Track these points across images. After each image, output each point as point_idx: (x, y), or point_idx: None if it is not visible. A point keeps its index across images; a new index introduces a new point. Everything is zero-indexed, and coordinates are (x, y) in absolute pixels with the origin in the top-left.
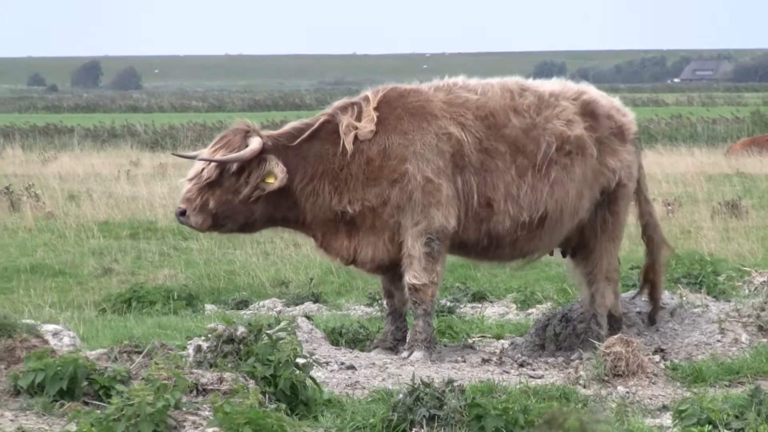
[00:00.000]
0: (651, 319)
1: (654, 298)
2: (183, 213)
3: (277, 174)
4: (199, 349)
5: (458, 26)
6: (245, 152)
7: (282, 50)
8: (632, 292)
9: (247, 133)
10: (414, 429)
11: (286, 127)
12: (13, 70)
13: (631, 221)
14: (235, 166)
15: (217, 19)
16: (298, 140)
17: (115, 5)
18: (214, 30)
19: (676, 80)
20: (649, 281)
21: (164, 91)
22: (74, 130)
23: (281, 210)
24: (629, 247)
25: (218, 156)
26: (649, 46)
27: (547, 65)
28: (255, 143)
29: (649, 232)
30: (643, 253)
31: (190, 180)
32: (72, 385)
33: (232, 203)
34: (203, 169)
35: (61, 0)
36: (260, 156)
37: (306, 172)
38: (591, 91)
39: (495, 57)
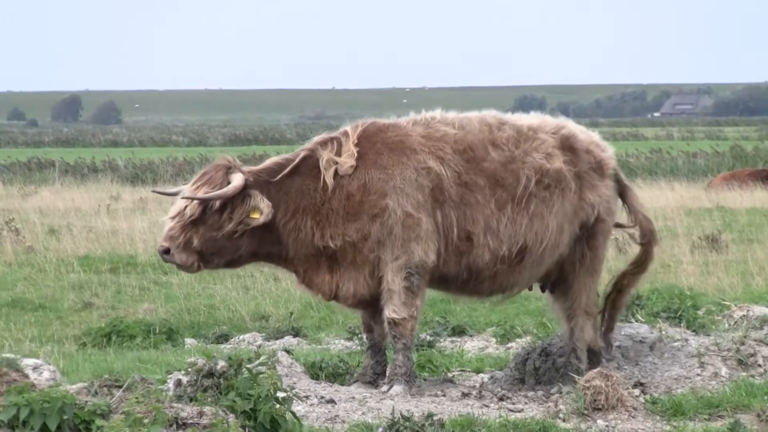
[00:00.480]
0: (605, 340)
1: (616, 312)
2: (167, 251)
3: (262, 209)
4: (179, 383)
5: (438, 61)
6: (228, 189)
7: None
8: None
9: (228, 170)
10: None
11: (267, 163)
12: None
13: (610, 254)
14: (218, 203)
15: (197, 54)
16: (280, 176)
17: (95, 40)
18: (194, 65)
19: (657, 114)
20: (618, 290)
21: (144, 126)
22: (55, 164)
23: (265, 245)
24: (608, 279)
25: (200, 193)
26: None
27: (527, 99)
28: (237, 180)
29: (645, 241)
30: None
31: (173, 218)
32: (58, 421)
33: (217, 240)
34: (186, 207)
35: (41, 34)
36: (243, 192)
37: (288, 208)
38: (570, 126)
39: (475, 91)
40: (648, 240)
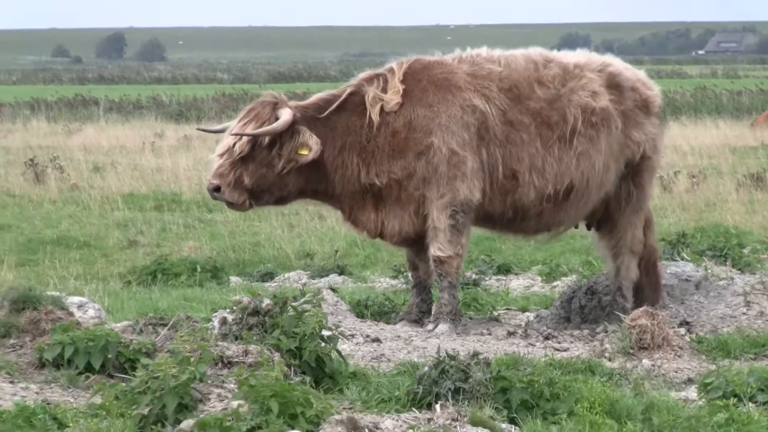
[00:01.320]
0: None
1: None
2: (217, 189)
3: (311, 145)
4: (224, 321)
5: None
6: (277, 125)
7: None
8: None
9: (275, 105)
10: (439, 402)
11: (313, 99)
12: (37, 42)
13: (655, 193)
14: (267, 139)
15: None
16: (327, 112)
17: None
18: (238, 1)
19: (701, 52)
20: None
21: (188, 63)
22: (99, 102)
23: (312, 182)
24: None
25: (249, 129)
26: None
27: (571, 37)
28: (286, 115)
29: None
30: (666, 225)
31: (221, 155)
32: (101, 359)
33: (266, 176)
34: (235, 144)
35: None
36: (292, 128)
37: (335, 144)
38: (616, 64)
39: (519, 29)
40: None
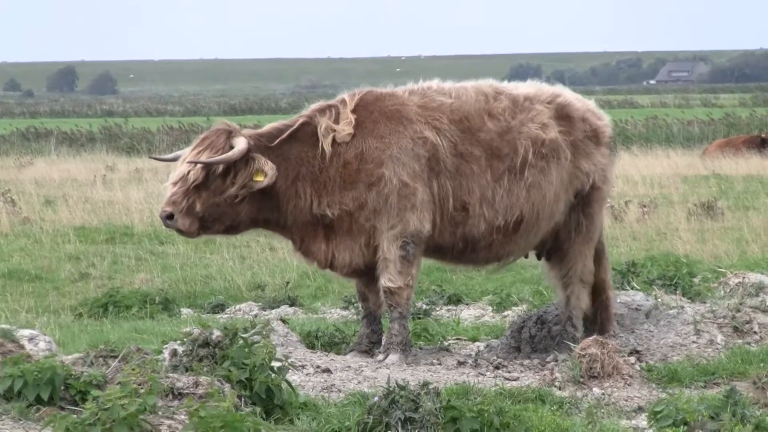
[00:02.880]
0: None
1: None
2: (170, 216)
3: (266, 171)
4: (174, 353)
5: (433, 29)
6: (233, 153)
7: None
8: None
9: (230, 134)
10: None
11: (267, 128)
12: None
13: (605, 222)
14: (221, 168)
15: (191, 23)
16: (277, 141)
17: (90, 10)
18: (190, 34)
19: (652, 82)
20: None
21: (140, 96)
22: (53, 132)
23: (264, 212)
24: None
25: (203, 158)
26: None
27: (522, 68)
28: (241, 143)
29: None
30: (617, 255)
31: (174, 183)
32: (49, 391)
33: (219, 205)
34: (189, 172)
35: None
36: (246, 155)
37: (288, 174)
38: (566, 94)
39: (471, 60)
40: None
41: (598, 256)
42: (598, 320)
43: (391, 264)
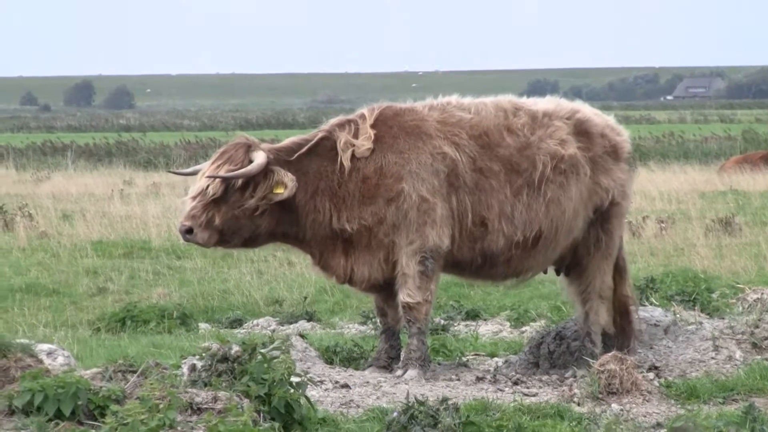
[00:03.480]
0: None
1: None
2: (189, 230)
3: (286, 183)
4: (193, 368)
5: (451, 44)
6: (252, 167)
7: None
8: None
9: (249, 148)
10: None
11: (286, 142)
12: (5, 90)
13: (626, 238)
14: (240, 182)
15: (208, 38)
16: (297, 155)
17: (107, 25)
18: (206, 49)
19: (669, 97)
20: (623, 311)
21: (157, 111)
22: (71, 146)
23: (283, 225)
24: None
25: (222, 172)
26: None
27: (540, 83)
28: (260, 157)
29: (617, 258)
30: (635, 270)
31: (194, 197)
32: (71, 406)
33: (238, 218)
34: (208, 186)
35: (54, 19)
36: (266, 168)
37: (307, 189)
38: (585, 110)
39: (488, 75)
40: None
41: (620, 272)
42: (619, 335)
43: (410, 279)
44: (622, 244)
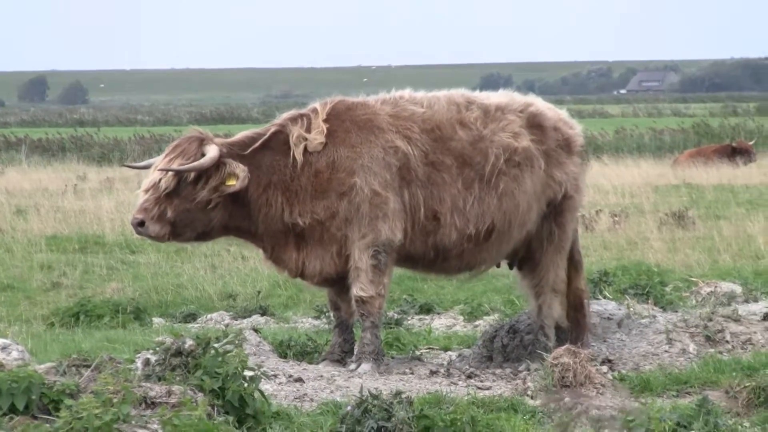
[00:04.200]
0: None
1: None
2: (141, 223)
3: (238, 174)
4: (147, 362)
5: (404, 39)
6: (204, 160)
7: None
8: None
9: (201, 141)
10: None
11: (239, 136)
12: None
13: (579, 232)
14: (192, 175)
15: (163, 33)
16: (251, 149)
17: (61, 20)
18: (160, 44)
19: (623, 91)
20: (577, 304)
21: (111, 105)
22: (24, 140)
23: (236, 219)
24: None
25: (175, 165)
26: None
27: (493, 77)
28: (213, 151)
29: (572, 252)
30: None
31: (146, 191)
32: (25, 401)
33: (190, 211)
34: (161, 179)
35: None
36: (218, 161)
37: (260, 182)
38: (538, 104)
39: (441, 69)
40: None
41: (575, 266)
42: (573, 329)
43: (363, 273)
44: (577, 238)
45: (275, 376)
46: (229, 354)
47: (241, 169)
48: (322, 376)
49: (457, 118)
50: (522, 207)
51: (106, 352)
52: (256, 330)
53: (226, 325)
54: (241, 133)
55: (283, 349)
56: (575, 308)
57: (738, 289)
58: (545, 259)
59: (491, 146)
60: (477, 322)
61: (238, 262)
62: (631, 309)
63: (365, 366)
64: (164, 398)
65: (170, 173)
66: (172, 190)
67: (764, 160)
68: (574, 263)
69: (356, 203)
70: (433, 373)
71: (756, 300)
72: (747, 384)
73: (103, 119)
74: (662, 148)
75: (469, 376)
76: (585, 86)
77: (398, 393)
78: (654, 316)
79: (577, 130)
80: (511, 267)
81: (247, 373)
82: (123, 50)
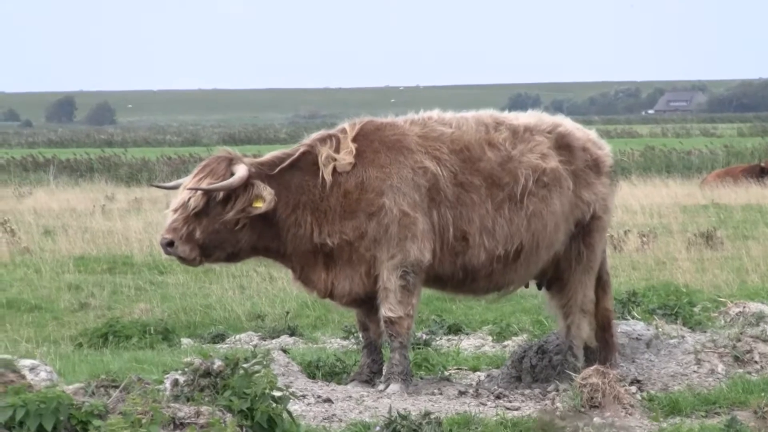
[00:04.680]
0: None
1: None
2: (170, 243)
3: (265, 197)
4: (176, 383)
5: (432, 59)
6: (233, 180)
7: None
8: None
9: (230, 161)
10: None
11: (267, 156)
12: None
13: (608, 252)
14: (221, 195)
15: (190, 53)
16: (278, 169)
17: (89, 40)
18: (188, 65)
19: (651, 111)
20: (605, 324)
21: (138, 126)
22: (52, 161)
23: (264, 240)
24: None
25: (204, 185)
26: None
27: (521, 97)
28: (242, 170)
29: (600, 272)
30: (617, 284)
31: (175, 210)
32: (53, 422)
33: (219, 232)
34: (190, 199)
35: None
36: (246, 182)
37: (288, 203)
38: (566, 124)
39: (469, 90)
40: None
41: (603, 286)
42: (602, 349)
43: (392, 294)
44: (605, 258)
45: (304, 396)
46: (257, 374)
47: (268, 192)
48: (350, 396)
49: (485, 139)
50: (550, 228)
51: (134, 372)
52: (284, 350)
53: (255, 346)
54: (270, 154)
55: (312, 370)
56: (603, 328)
57: (766, 309)
58: (573, 280)
59: (520, 167)
60: (505, 343)
61: (266, 283)
62: (660, 329)
63: (394, 386)
64: (193, 419)
65: (199, 193)
66: (201, 210)
67: None
68: (602, 284)
69: (385, 224)
70: (461, 393)
71: None
72: None
73: (131, 139)
74: (690, 168)
75: (497, 397)
76: (613, 106)
77: (427, 413)
78: (683, 337)
79: (606, 150)
80: (539, 287)
81: (276, 394)
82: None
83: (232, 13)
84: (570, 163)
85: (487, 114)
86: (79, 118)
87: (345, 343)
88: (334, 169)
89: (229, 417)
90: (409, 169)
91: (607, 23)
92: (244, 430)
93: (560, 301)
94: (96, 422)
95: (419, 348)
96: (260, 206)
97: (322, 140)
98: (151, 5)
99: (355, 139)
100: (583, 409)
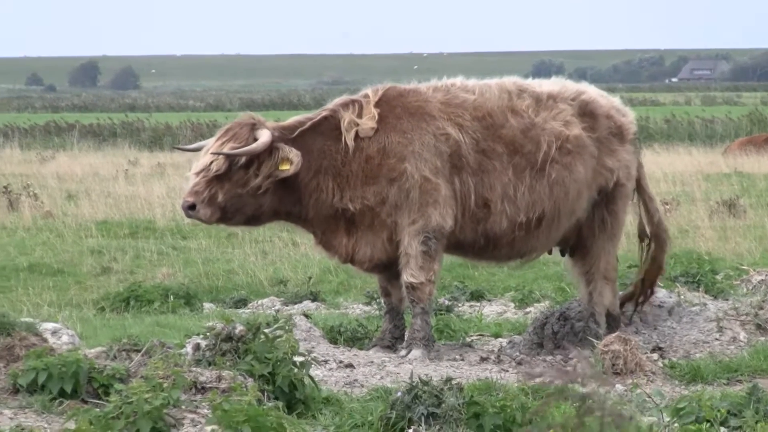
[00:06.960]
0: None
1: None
2: (192, 206)
3: (292, 159)
4: (197, 347)
5: (456, 26)
6: (257, 145)
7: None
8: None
9: (253, 126)
10: (412, 427)
11: (290, 120)
12: (11, 70)
13: (628, 219)
14: (243, 159)
15: (214, 18)
16: (298, 131)
17: (113, 5)
18: (212, 30)
19: (674, 80)
20: (648, 283)
21: (162, 91)
22: (75, 126)
23: (286, 204)
24: (627, 246)
25: (227, 149)
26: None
27: (544, 65)
28: (265, 136)
29: (659, 231)
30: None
31: (197, 174)
32: (73, 384)
33: (241, 196)
34: (212, 162)
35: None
36: (270, 146)
37: (310, 167)
38: (590, 91)
39: (493, 57)
40: (658, 219)
41: (661, 245)
42: (641, 296)
43: (413, 259)
44: (661, 219)
45: (325, 361)
46: (279, 339)
47: (294, 154)
48: (372, 362)
49: (508, 106)
50: (572, 195)
51: (156, 337)
52: (306, 316)
53: (277, 311)
54: (292, 118)
55: (334, 335)
56: (649, 283)
57: None
58: (597, 247)
59: (543, 134)
60: (528, 309)
61: (289, 248)
62: (682, 297)
63: (416, 352)
64: (214, 383)
65: (221, 157)
66: (223, 174)
67: None
68: (660, 242)
69: (406, 189)
70: (483, 359)
71: None
72: None
73: (155, 104)
74: (713, 137)
75: (519, 363)
76: (636, 74)
77: (449, 379)
78: (705, 304)
79: (630, 117)
80: (563, 254)
81: (297, 359)
82: (174, 35)
83: None
84: (593, 131)
85: (511, 81)
86: (102, 83)
87: (367, 308)
88: (356, 135)
89: (250, 382)
90: (431, 136)
91: None
92: (266, 394)
93: (583, 268)
94: (117, 386)
95: (441, 314)
96: (287, 168)
97: (345, 105)
98: None
99: (377, 105)
100: (604, 376)
